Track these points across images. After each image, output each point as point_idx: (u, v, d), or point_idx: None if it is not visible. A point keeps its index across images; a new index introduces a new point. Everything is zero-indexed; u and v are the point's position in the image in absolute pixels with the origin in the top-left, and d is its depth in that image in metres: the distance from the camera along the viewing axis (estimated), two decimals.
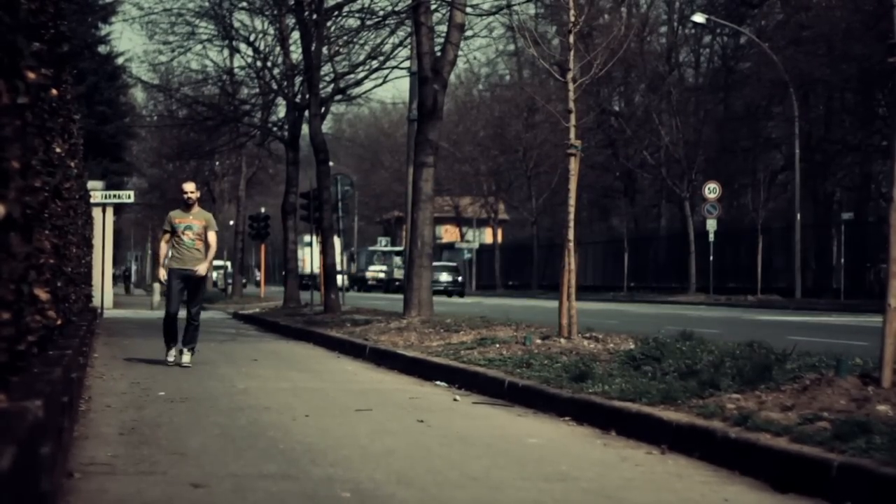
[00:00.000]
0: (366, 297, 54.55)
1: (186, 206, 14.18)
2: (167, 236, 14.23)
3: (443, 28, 22.32)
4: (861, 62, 43.00)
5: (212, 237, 14.15)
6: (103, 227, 34.37)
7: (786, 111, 47.44)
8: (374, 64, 31.15)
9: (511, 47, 63.19)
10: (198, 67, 41.12)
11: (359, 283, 75.30)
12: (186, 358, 14.00)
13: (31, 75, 4.41)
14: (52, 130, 6.88)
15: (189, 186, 14.33)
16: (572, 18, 13.91)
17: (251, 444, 7.43)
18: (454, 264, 67.57)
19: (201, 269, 14.06)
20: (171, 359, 14.08)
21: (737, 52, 54.95)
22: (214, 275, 66.71)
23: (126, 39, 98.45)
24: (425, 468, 6.64)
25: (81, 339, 11.05)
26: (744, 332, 15.38)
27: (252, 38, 35.69)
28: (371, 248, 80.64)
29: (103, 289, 34.31)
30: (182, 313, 14.08)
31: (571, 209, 13.67)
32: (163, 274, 14.20)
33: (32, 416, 3.76)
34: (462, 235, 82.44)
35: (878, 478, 5.60)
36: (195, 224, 14.07)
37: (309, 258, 56.92)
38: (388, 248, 78.97)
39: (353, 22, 29.09)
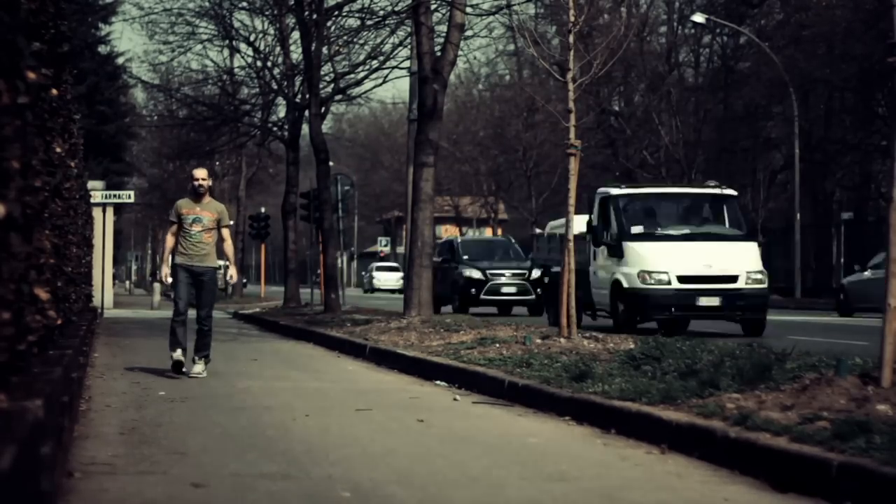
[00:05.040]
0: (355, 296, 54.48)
1: (197, 195, 12.60)
2: (174, 228, 12.62)
3: (443, 28, 22.32)
4: (861, 62, 42.96)
5: (227, 234, 12.70)
6: (103, 227, 34.37)
7: (786, 111, 47.39)
8: (374, 64, 31.14)
9: (511, 47, 63.04)
10: (198, 67, 41.12)
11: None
12: (199, 367, 12.48)
13: (32, 75, 4.41)
14: (53, 130, 6.88)
15: (201, 173, 12.72)
16: (572, 18, 13.92)
17: (251, 444, 7.44)
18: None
19: (233, 274, 13.36)
20: (175, 358, 12.39)
21: (736, 52, 54.89)
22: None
23: (126, 39, 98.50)
24: (425, 468, 6.64)
25: (81, 338, 11.06)
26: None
27: (252, 38, 35.70)
28: None
29: (103, 289, 34.32)
30: (190, 313, 12.57)
31: (571, 209, 13.68)
32: (166, 273, 12.67)
33: (32, 416, 3.77)
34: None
35: (878, 477, 5.60)
36: (205, 216, 12.54)
37: None
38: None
39: (353, 22, 29.11)
